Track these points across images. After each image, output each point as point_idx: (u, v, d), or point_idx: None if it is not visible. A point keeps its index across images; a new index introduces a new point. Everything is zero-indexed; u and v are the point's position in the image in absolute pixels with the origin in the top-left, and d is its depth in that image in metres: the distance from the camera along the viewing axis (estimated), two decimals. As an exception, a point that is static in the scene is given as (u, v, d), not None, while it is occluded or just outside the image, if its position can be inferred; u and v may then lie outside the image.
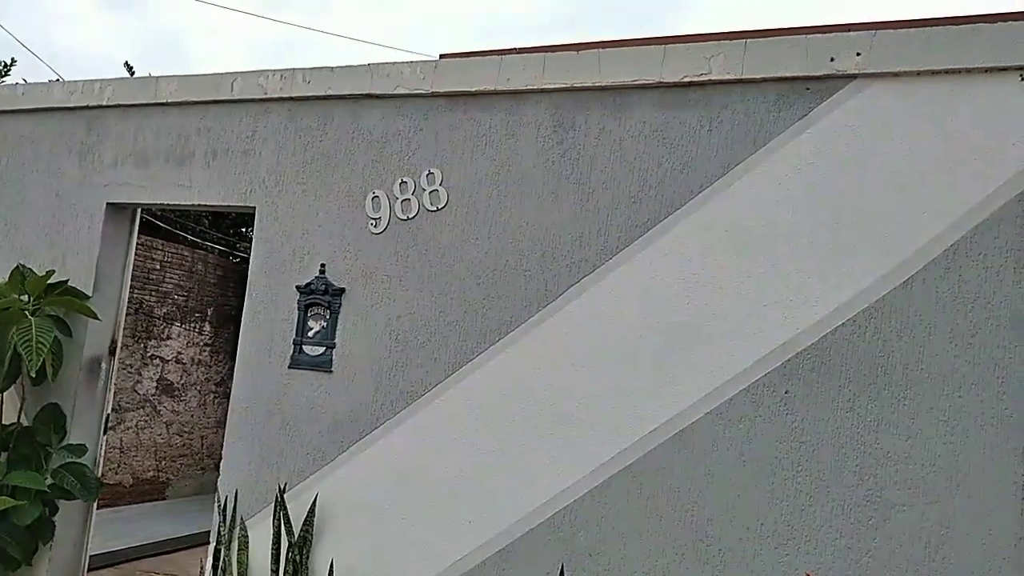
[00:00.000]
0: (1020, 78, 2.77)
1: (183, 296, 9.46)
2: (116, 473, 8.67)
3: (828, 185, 2.96)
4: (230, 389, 3.99)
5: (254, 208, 4.03)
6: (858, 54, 2.97)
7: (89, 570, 4.59)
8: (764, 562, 2.84)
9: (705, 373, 3.02)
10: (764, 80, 3.12)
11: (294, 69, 3.98)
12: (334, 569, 3.53)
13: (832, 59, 3.01)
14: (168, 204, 4.29)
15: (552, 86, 3.45)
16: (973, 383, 2.66)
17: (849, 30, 3.09)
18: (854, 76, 2.99)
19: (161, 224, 9.96)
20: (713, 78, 3.19)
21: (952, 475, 2.65)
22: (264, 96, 4.04)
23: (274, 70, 4.03)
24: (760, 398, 2.92)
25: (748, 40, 3.17)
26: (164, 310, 9.21)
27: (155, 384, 9.18)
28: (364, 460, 3.59)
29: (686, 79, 3.23)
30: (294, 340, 3.83)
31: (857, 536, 2.73)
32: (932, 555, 2.64)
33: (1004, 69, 2.79)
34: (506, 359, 3.39)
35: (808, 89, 3.06)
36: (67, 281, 4.30)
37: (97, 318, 4.25)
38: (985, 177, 2.74)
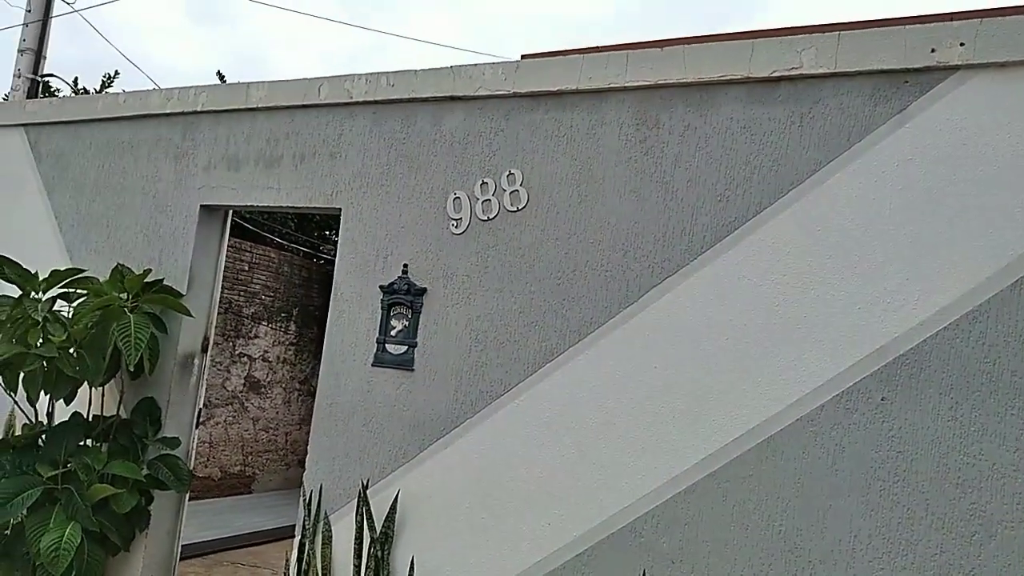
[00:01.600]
0: None
1: (270, 296, 9.77)
2: (206, 467, 9.01)
3: (928, 182, 2.82)
4: (314, 387, 4.09)
5: (340, 209, 4.11)
6: (961, 44, 2.82)
7: (181, 559, 4.77)
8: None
9: (795, 378, 2.92)
10: (859, 73, 3.00)
11: (378, 73, 4.05)
12: (415, 566, 3.56)
13: (933, 50, 2.87)
14: (258, 206, 4.43)
15: (635, 84, 3.41)
16: (1090, 392, 2.49)
17: (952, 19, 2.94)
18: (957, 68, 2.84)
19: (249, 226, 10.31)
20: (804, 72, 3.09)
21: (1066, 490, 2.48)
22: (349, 100, 4.12)
23: (359, 74, 4.11)
24: (854, 405, 2.80)
25: (842, 32, 3.06)
26: (252, 310, 9.53)
27: (243, 381, 9.50)
28: (444, 459, 3.62)
29: (775, 74, 3.14)
30: (377, 339, 3.90)
31: (959, 553, 2.59)
32: (1044, 575, 2.48)
33: None
34: (586, 360, 3.36)
35: (907, 82, 2.92)
36: (163, 280, 4.49)
37: (191, 315, 4.42)
38: (1104, 172, 2.56)
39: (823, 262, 2.94)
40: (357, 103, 4.11)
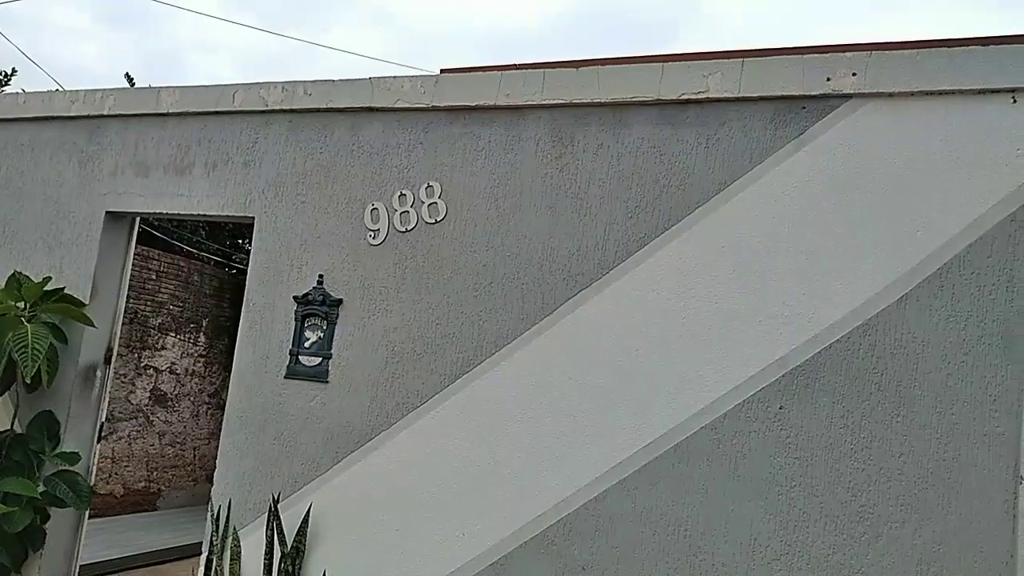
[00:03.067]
0: (1012, 100, 2.81)
1: (179, 306, 9.46)
2: (108, 483, 8.63)
3: (824, 202, 2.99)
4: (223, 400, 3.99)
5: (253, 218, 4.04)
6: (854, 74, 3.02)
7: (79, 580, 4.56)
8: (757, 577, 2.85)
9: (700, 387, 3.04)
10: (761, 98, 3.16)
11: (295, 81, 4.01)
12: (327, 580, 3.52)
13: (828, 79, 3.05)
14: (167, 213, 4.31)
15: (551, 102, 3.49)
16: (965, 401, 2.68)
17: (846, 51, 3.13)
18: (850, 96, 3.03)
19: (158, 234, 9.97)
20: (711, 96, 3.23)
21: (945, 492, 2.66)
22: (265, 108, 4.07)
23: (276, 82, 4.06)
24: (755, 413, 2.94)
25: (745, 59, 3.22)
26: (159, 320, 9.20)
27: (148, 394, 9.16)
28: (358, 471, 3.59)
29: (684, 96, 3.27)
30: (290, 350, 3.84)
31: (850, 552, 2.74)
32: (924, 572, 2.65)
33: (996, 91, 2.83)
34: (502, 372, 3.40)
35: (804, 108, 3.10)
36: (64, 288, 4.31)
37: (93, 325, 4.26)
38: (978, 196, 2.78)
39: (726, 277, 3.08)
40: (273, 111, 4.06)
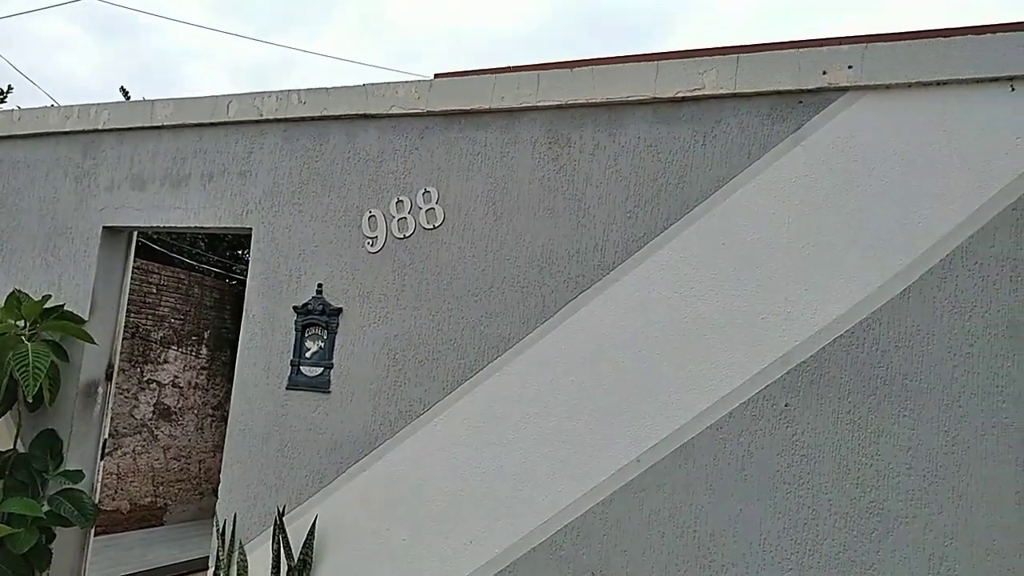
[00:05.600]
0: (1010, 88, 2.80)
1: (180, 319, 9.46)
2: (113, 499, 8.63)
3: (823, 196, 2.98)
4: (227, 413, 3.99)
5: (250, 229, 4.04)
6: (849, 67, 3.01)
7: (86, 598, 4.55)
8: (768, 577, 2.84)
9: (705, 387, 3.03)
10: (757, 94, 3.15)
11: (289, 90, 4.01)
12: (334, 592, 3.51)
13: (824, 72, 3.05)
14: (164, 227, 4.31)
15: (547, 103, 3.48)
16: (972, 392, 2.67)
17: (841, 44, 3.12)
18: (846, 89, 3.02)
19: (157, 247, 9.98)
20: (706, 93, 3.22)
21: (954, 485, 2.65)
22: (260, 118, 4.07)
23: (270, 92, 4.07)
24: (760, 411, 2.93)
25: (740, 55, 3.21)
26: (161, 334, 9.21)
27: (152, 409, 9.16)
28: (363, 481, 3.58)
29: (679, 94, 3.26)
30: (291, 361, 3.84)
31: (860, 549, 2.73)
32: (936, 567, 2.63)
33: (994, 79, 2.82)
34: (504, 376, 3.39)
35: (801, 102, 3.09)
36: (63, 305, 4.31)
37: (93, 342, 4.25)
38: (979, 186, 2.77)
39: (727, 275, 3.06)
40: (267, 120, 4.06)
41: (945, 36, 2.97)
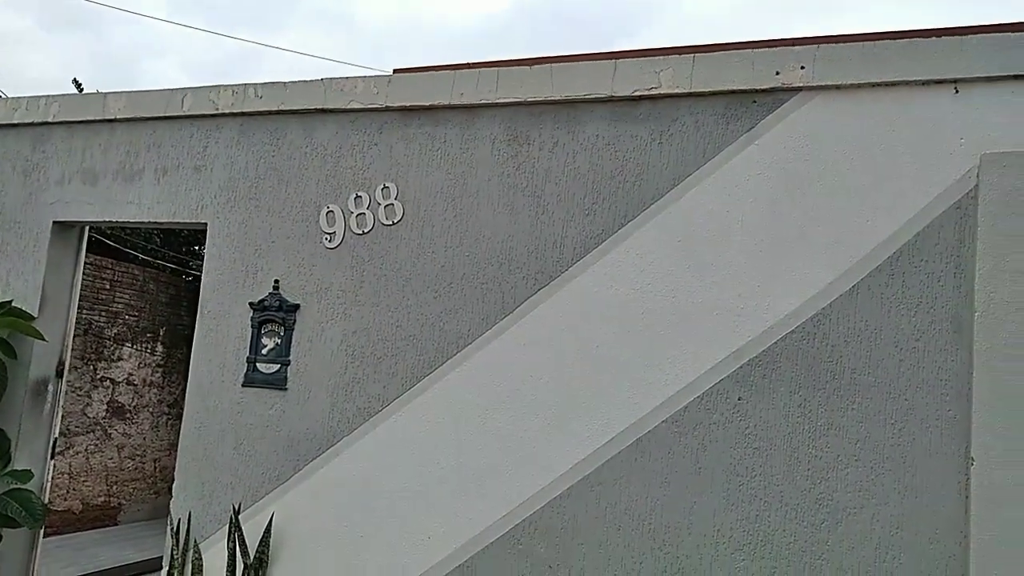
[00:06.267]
0: (955, 90, 2.88)
1: (134, 316, 9.27)
2: (65, 499, 8.43)
3: (776, 195, 3.03)
4: (183, 410, 3.92)
5: (206, 224, 3.98)
6: (802, 67, 3.06)
7: (36, 600, 4.45)
8: (721, 568, 2.88)
9: (661, 382, 3.06)
10: (712, 93, 3.19)
11: (246, 84, 3.95)
12: (291, 590, 3.48)
13: (777, 72, 3.09)
14: (117, 221, 4.21)
15: (506, 100, 3.48)
16: (918, 386, 2.74)
17: (794, 45, 3.18)
18: (799, 89, 3.07)
19: (111, 243, 9.77)
20: (663, 92, 3.25)
21: (900, 476, 2.72)
22: (216, 111, 4.00)
23: (226, 85, 4.00)
24: (714, 405, 2.97)
25: (696, 55, 3.24)
26: (114, 330, 9.01)
27: (106, 407, 8.96)
28: (321, 478, 3.55)
29: (636, 93, 3.29)
30: (248, 358, 3.79)
31: (810, 540, 2.79)
32: (883, 555, 2.70)
33: (940, 82, 2.89)
34: (463, 373, 3.39)
35: (755, 102, 3.13)
36: (11, 301, 4.20)
37: (43, 339, 4.15)
38: (925, 185, 2.84)
39: (683, 271, 3.10)
40: (223, 115, 4.00)
41: (893, 39, 3.03)
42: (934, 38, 2.96)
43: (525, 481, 3.19)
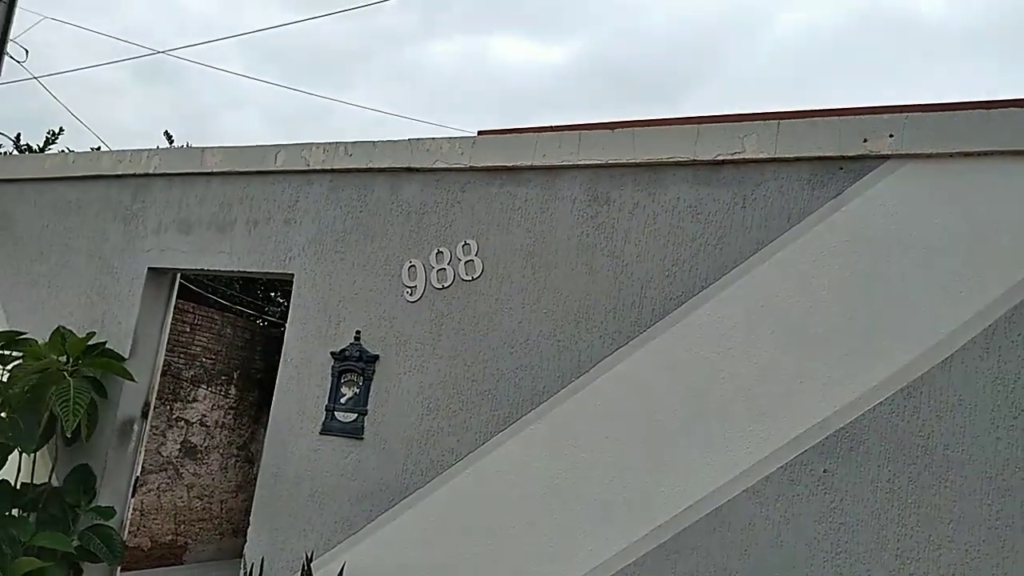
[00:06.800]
0: (1052, 161, 2.80)
1: (211, 359, 9.53)
2: (136, 536, 8.60)
3: (863, 263, 2.98)
4: (252, 453, 4.00)
5: (292, 275, 4.11)
6: (891, 135, 3.03)
7: (109, 636, 4.53)
8: (804, 648, 2.76)
9: (742, 450, 3.00)
10: (798, 159, 3.18)
11: (336, 143, 4.11)
12: (359, 642, 3.47)
13: (865, 140, 3.07)
14: (209, 269, 4.39)
15: (587, 162, 3.54)
16: (1017, 466, 2.62)
17: (882, 113, 3.16)
18: (887, 157, 3.04)
19: (192, 287, 10.12)
20: (747, 156, 3.26)
21: (999, 561, 2.58)
22: (306, 168, 4.16)
23: (317, 143, 4.17)
24: (798, 477, 2.89)
25: (781, 120, 3.25)
26: (192, 372, 9.28)
27: (179, 446, 9.18)
28: (392, 530, 3.56)
29: (719, 157, 3.30)
30: (326, 406, 3.86)
31: (900, 623, 2.66)
32: (980, 645, 2.56)
33: (1037, 152, 2.83)
34: (538, 430, 3.39)
35: (842, 169, 3.11)
36: (105, 343, 4.38)
37: (134, 380, 4.31)
38: (1020, 257, 2.75)
39: (766, 337, 3.05)
40: (314, 171, 4.16)
41: (985, 108, 2.99)
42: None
43: (599, 544, 3.14)
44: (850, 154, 3.09)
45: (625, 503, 3.14)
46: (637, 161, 3.45)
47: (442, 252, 3.76)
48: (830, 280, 3.01)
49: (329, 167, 4.10)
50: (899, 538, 2.71)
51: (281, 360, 4.07)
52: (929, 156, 2.98)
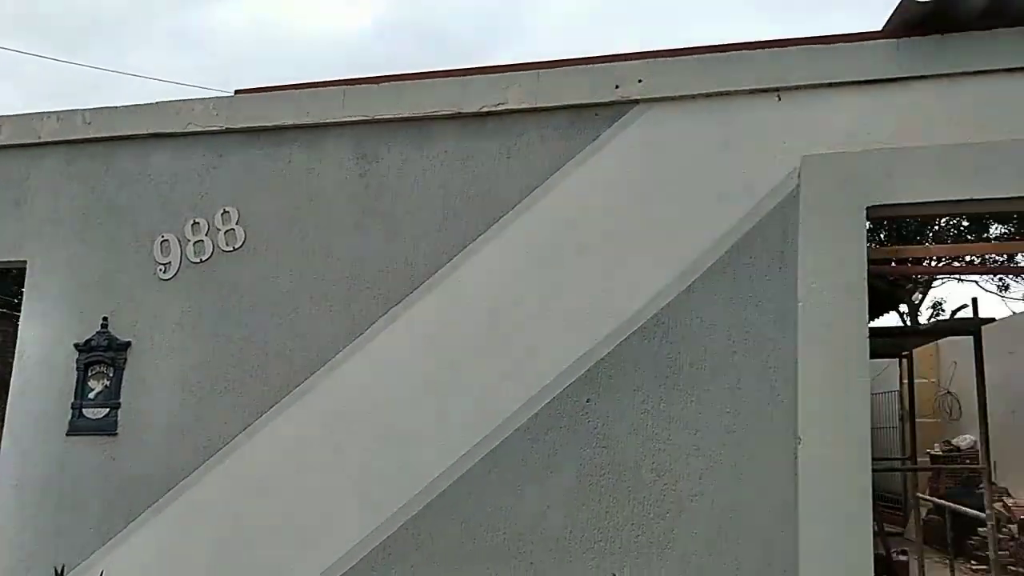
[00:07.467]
0: (777, 98, 3.97)
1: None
2: None
3: (620, 202, 4.04)
4: (-8, 470, 4.49)
5: (25, 262, 4.70)
6: (640, 80, 4.12)
7: None
8: (574, 569, 3.72)
9: (514, 390, 3.95)
10: (557, 108, 4.21)
11: (73, 110, 4.78)
12: (123, 651, 4.11)
13: (617, 86, 4.15)
14: (-80, 262, 4.88)
15: (353, 118, 4.43)
16: (749, 375, 3.71)
17: (632, 59, 4.24)
18: (637, 101, 4.13)
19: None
20: (510, 107, 4.26)
21: (736, 461, 3.68)
22: (37, 140, 4.80)
23: (49, 112, 4.83)
24: (564, 408, 3.88)
25: (540, 71, 4.27)
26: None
27: None
28: (156, 526, 4.25)
29: (484, 109, 4.28)
30: (72, 404, 4.48)
31: (657, 530, 3.68)
32: (724, 536, 3.64)
33: (764, 90, 3.99)
34: (309, 402, 4.21)
35: (597, 115, 4.17)
36: None
37: None
38: (752, 187, 3.90)
39: (532, 280, 4.05)
40: (47, 143, 4.81)
41: (722, 51, 4.13)
42: (758, 50, 4.06)
43: (380, 501, 4.01)
44: (604, 100, 4.16)
45: (406, 457, 4.02)
46: (404, 116, 4.39)
47: (198, 223, 4.51)
48: (589, 221, 4.06)
49: (65, 138, 4.77)
50: (654, 453, 3.76)
51: (15, 359, 4.65)
52: (674, 99, 4.10)
